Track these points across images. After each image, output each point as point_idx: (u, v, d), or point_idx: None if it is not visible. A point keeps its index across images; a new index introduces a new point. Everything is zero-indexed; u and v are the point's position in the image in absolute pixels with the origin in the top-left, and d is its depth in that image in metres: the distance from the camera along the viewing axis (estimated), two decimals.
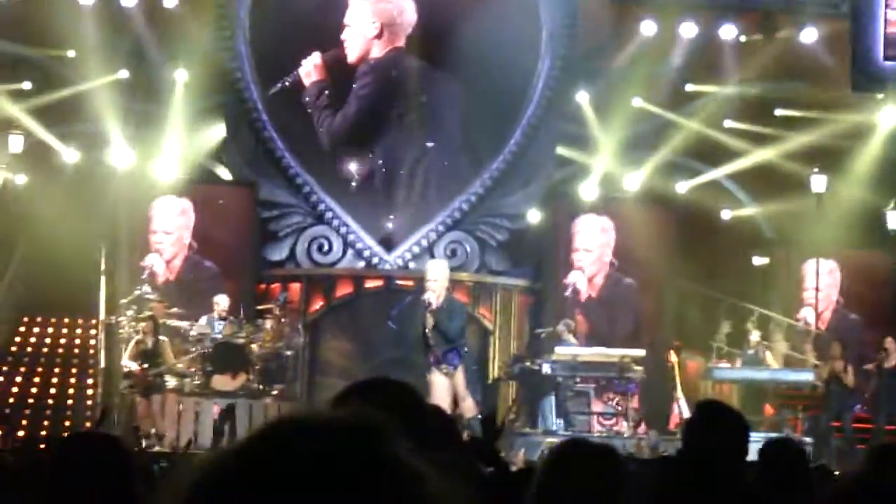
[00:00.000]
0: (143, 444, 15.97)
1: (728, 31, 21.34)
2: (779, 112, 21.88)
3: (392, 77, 21.62)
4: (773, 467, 5.22)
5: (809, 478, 5.55)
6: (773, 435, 15.78)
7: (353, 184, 21.45)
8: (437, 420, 4.51)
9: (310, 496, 1.00)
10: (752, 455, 5.26)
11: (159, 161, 20.49)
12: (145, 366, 16.98)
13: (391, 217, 21.53)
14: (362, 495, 1.01)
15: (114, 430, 13.70)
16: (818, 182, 19.64)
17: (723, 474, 4.49)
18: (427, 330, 15.42)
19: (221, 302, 18.70)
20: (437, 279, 15.55)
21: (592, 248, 21.33)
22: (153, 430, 16.71)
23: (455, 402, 15.73)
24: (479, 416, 15.13)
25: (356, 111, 21.50)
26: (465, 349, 16.42)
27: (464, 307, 17.27)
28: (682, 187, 22.10)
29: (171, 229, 20.65)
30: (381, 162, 21.56)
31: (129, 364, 17.12)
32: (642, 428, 18.72)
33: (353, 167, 21.51)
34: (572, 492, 2.92)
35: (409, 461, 1.07)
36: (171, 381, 17.61)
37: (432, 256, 21.33)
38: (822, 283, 20.97)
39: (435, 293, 15.29)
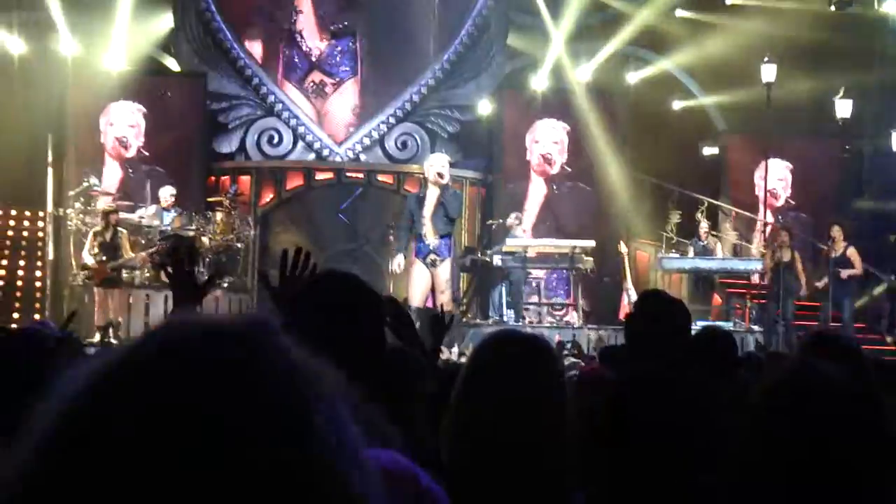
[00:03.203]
0: (98, 336, 16.02)
1: None
2: (729, 1, 21.82)
3: None
4: (705, 354, 5.26)
5: (738, 363, 5.67)
6: (723, 324, 16.02)
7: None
8: (392, 309, 4.53)
9: (193, 391, 1.02)
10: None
11: (107, 51, 20.20)
12: (104, 258, 16.85)
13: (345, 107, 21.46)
14: (247, 391, 1.03)
15: (78, 329, 13.61)
16: (768, 71, 19.63)
17: (666, 363, 4.52)
18: (423, 214, 15.42)
19: (166, 193, 18.62)
20: (446, 165, 15.70)
21: (554, 150, 21.25)
22: (114, 322, 16.65)
23: (433, 293, 15.80)
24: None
25: None
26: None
27: (462, 194, 17.25)
28: (633, 78, 22.07)
29: (125, 134, 20.33)
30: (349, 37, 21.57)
31: (88, 258, 16.96)
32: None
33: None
34: (498, 383, 2.92)
35: (295, 357, 1.09)
36: (123, 273, 17.56)
37: (383, 148, 21.30)
38: (776, 181, 21.16)
39: (447, 174, 15.41)
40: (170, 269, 3.72)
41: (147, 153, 20.21)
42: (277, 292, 3.65)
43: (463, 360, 7.59)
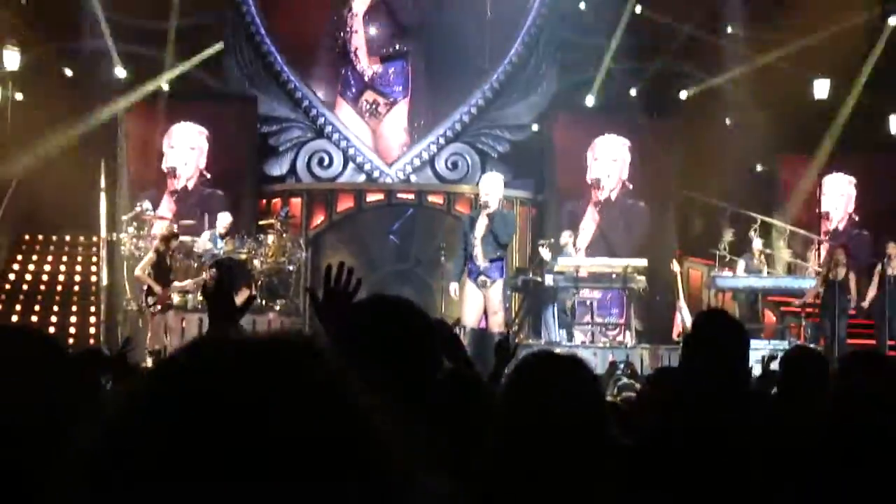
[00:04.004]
0: (151, 361, 16.01)
1: None
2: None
3: None
4: (794, 375, 5.21)
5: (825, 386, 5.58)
6: (778, 343, 15.86)
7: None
8: (441, 332, 4.48)
9: (230, 413, 0.97)
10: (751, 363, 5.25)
11: (158, 77, 20.35)
12: (163, 283, 16.87)
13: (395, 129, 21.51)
14: (288, 414, 0.98)
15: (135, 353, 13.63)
16: (821, 87, 19.47)
17: (724, 384, 4.46)
18: (475, 237, 15.41)
19: (224, 220, 18.60)
20: (498, 189, 15.69)
21: (611, 169, 21.19)
22: (167, 346, 16.66)
23: (486, 314, 15.75)
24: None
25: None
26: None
27: (514, 216, 17.22)
28: (685, 95, 21.95)
29: (175, 163, 20.43)
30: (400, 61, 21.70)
31: (146, 278, 16.90)
32: None
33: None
34: (537, 401, 2.90)
35: (340, 378, 1.03)
36: (175, 298, 17.60)
37: (433, 169, 21.29)
38: (837, 197, 20.94)
39: (493, 200, 15.42)
40: (208, 287, 3.69)
41: (209, 175, 20.33)
42: (320, 307, 3.61)
43: None
